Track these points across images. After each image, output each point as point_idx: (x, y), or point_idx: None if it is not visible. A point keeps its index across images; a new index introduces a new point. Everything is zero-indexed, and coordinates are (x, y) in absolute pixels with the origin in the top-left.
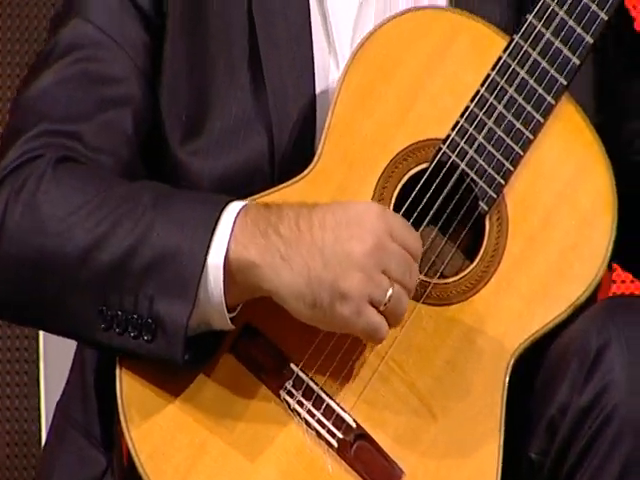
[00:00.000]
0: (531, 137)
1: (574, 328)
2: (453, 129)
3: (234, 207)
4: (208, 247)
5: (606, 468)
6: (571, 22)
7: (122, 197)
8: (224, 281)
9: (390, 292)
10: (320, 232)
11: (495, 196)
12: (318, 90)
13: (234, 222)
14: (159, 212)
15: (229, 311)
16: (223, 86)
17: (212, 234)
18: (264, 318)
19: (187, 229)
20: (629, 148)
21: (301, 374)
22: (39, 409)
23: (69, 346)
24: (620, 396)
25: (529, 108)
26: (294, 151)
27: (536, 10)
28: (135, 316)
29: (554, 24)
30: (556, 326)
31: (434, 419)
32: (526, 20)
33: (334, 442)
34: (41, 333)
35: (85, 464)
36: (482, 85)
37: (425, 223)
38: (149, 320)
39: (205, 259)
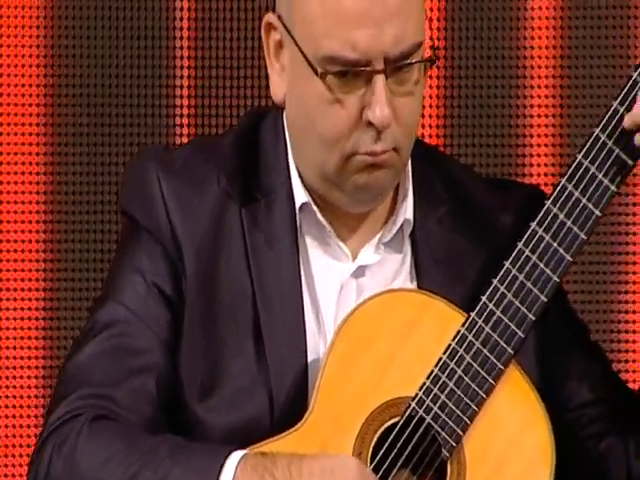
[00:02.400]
0: (485, 397)
1: None
2: (420, 389)
3: (236, 455)
4: None
5: None
6: (517, 303)
7: (145, 449)
8: None
9: None
10: (308, 477)
11: (455, 445)
12: (310, 359)
13: (236, 467)
14: (175, 460)
15: None
16: (232, 359)
17: (217, 478)
18: None
19: (197, 475)
20: (567, 405)
21: None
22: None
23: None
24: None
25: (483, 373)
26: (290, 408)
27: (488, 293)
28: None
29: (503, 304)
30: None
31: None
32: (480, 300)
33: None
34: None
35: None
36: (444, 353)
37: (398, 465)
38: None
39: None
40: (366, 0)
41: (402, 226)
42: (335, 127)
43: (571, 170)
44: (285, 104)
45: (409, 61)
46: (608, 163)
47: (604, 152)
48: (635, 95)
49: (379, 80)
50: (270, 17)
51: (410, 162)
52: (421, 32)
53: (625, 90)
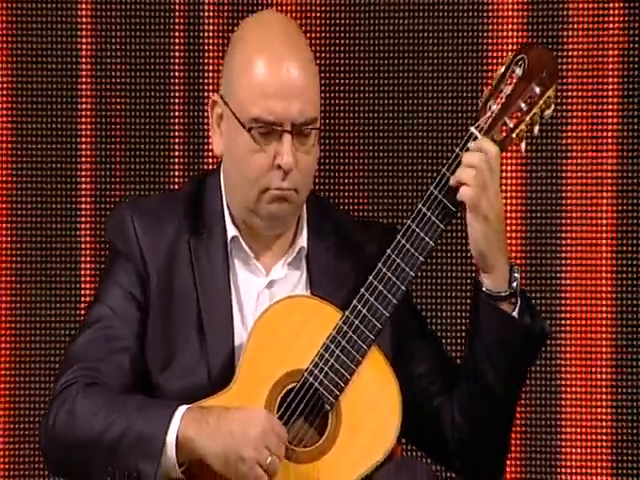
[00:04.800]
0: (355, 368)
1: (379, 473)
2: (311, 363)
3: (182, 408)
4: (166, 431)
5: None
6: (377, 304)
7: (120, 405)
8: (176, 449)
9: (269, 459)
10: (231, 422)
11: (334, 401)
12: (236, 344)
13: (182, 416)
14: (139, 413)
15: (180, 466)
16: (182, 344)
17: (168, 424)
18: (201, 473)
19: (155, 422)
20: (412, 375)
21: None
22: None
23: None
24: None
25: (353, 352)
26: (222, 378)
27: (357, 298)
28: (126, 473)
29: (367, 305)
30: (371, 472)
31: None
32: (353, 303)
33: None
34: None
35: None
36: (327, 339)
37: (296, 415)
38: (134, 474)
39: (165, 438)
40: (279, 82)
41: (300, 251)
42: (255, 168)
43: (414, 214)
44: (223, 158)
45: (309, 127)
46: (438, 209)
47: (436, 202)
48: (457, 164)
49: (287, 137)
50: (215, 97)
51: (306, 208)
52: (317, 110)
53: (450, 161)
